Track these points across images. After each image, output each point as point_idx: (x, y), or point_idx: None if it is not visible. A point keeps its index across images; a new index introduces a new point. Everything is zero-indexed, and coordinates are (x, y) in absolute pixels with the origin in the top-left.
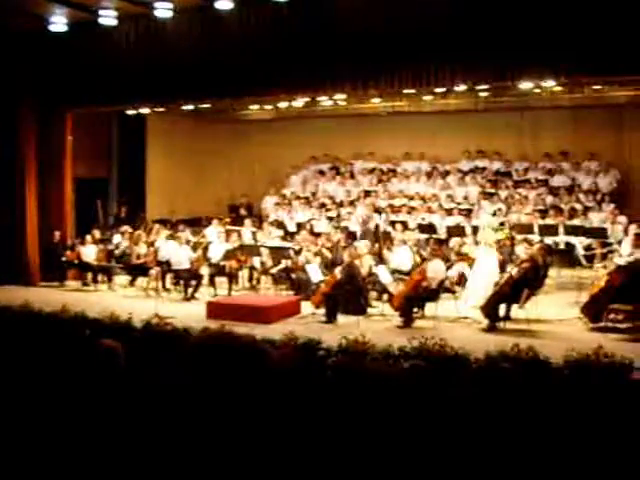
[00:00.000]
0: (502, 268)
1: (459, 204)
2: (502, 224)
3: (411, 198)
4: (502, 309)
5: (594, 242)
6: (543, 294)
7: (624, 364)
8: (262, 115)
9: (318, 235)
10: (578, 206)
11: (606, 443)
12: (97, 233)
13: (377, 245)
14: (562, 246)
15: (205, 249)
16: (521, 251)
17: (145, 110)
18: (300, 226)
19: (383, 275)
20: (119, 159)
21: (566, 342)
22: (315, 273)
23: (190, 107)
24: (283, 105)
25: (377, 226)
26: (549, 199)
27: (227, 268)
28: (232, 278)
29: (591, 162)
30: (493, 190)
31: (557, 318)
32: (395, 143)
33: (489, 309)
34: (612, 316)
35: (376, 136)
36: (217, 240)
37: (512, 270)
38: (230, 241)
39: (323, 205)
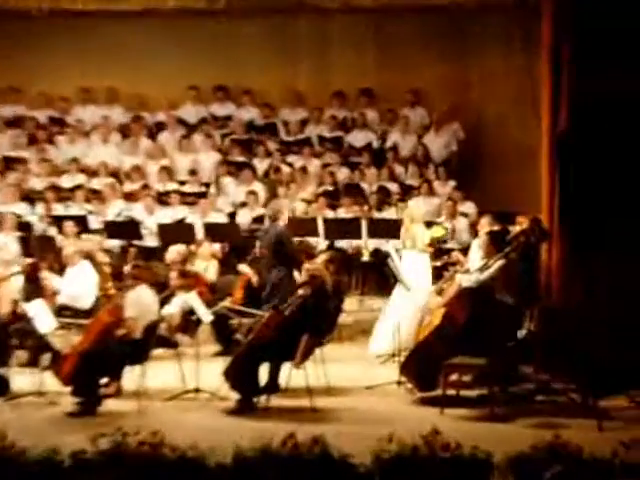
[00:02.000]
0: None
1: (182, 184)
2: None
3: (92, 174)
4: (264, 372)
5: None
6: (337, 342)
7: (477, 461)
8: None
9: None
10: (392, 186)
11: None
12: None
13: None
14: (366, 257)
15: None
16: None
17: None
18: None
19: (39, 316)
20: None
21: (378, 426)
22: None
23: None
24: None
25: (28, 226)
26: (342, 174)
27: None
28: None
29: (415, 109)
30: (243, 158)
31: (362, 385)
32: (62, 71)
33: (237, 373)
34: (454, 378)
35: (26, 56)
36: None
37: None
38: None
39: None
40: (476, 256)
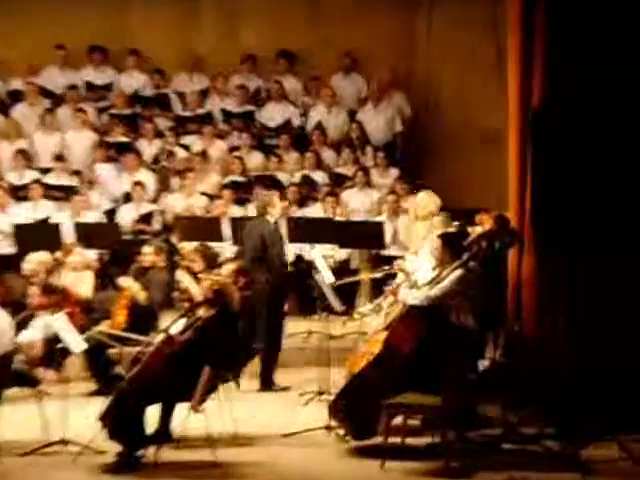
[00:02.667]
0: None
1: (46, 172)
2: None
3: None
4: (153, 416)
5: (357, 256)
6: (248, 378)
7: None
8: None
9: None
10: (319, 176)
11: None
12: None
13: None
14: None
15: None
16: (188, 281)
17: None
18: None
19: None
20: None
21: None
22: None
23: None
24: None
25: None
26: (254, 160)
27: None
28: None
29: (348, 77)
30: (126, 139)
31: (280, 432)
32: None
33: (118, 418)
34: (398, 421)
35: None
36: None
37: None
38: None
39: None
40: (426, 266)
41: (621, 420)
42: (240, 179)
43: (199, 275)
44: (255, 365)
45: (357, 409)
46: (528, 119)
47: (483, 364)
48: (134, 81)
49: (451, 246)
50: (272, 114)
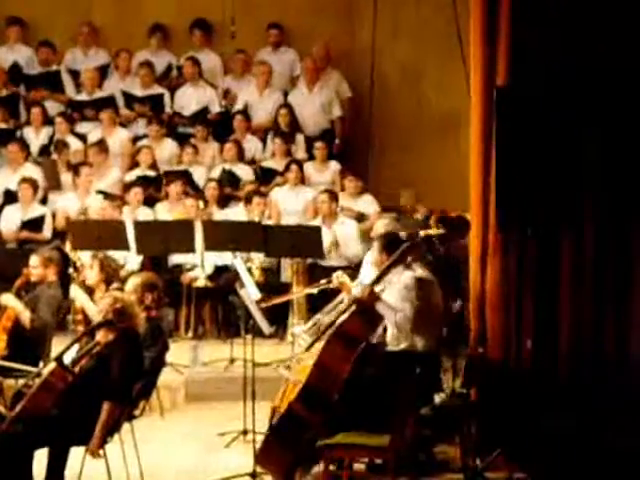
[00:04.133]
0: None
1: None
2: None
3: None
4: (41, 462)
5: (287, 266)
6: (157, 414)
7: None
8: None
9: None
10: (242, 170)
11: None
12: None
13: None
14: (202, 281)
15: None
16: (85, 298)
17: None
18: None
19: None
20: None
21: None
22: None
23: None
24: None
25: None
26: (164, 151)
27: None
28: None
29: (278, 51)
30: (6, 126)
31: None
32: None
33: None
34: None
35: None
36: None
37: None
38: None
39: None
40: (369, 271)
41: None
42: (148, 174)
43: (97, 291)
44: (165, 399)
45: (288, 453)
46: (494, 98)
47: (440, 396)
48: (15, 55)
49: (391, 247)
50: (186, 97)
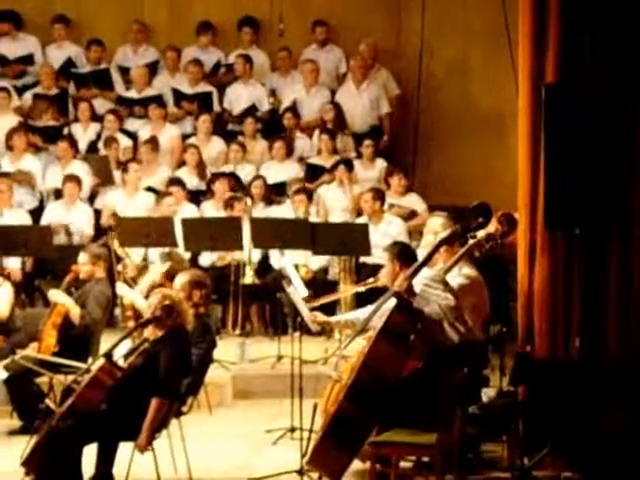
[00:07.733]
0: None
1: None
2: None
3: None
4: (91, 458)
5: (335, 264)
6: (205, 411)
7: None
8: None
9: None
10: (290, 168)
11: None
12: None
13: None
14: (250, 278)
15: None
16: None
17: None
18: None
19: None
20: None
21: None
22: None
23: None
24: None
25: None
26: (213, 149)
27: None
28: None
29: (326, 49)
30: (55, 122)
31: (244, 476)
32: None
33: (47, 462)
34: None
35: None
36: None
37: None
38: None
39: None
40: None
41: None
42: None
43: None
44: (212, 395)
45: (328, 447)
46: (542, 96)
47: (487, 394)
48: (63, 53)
49: (401, 257)
50: (236, 95)
